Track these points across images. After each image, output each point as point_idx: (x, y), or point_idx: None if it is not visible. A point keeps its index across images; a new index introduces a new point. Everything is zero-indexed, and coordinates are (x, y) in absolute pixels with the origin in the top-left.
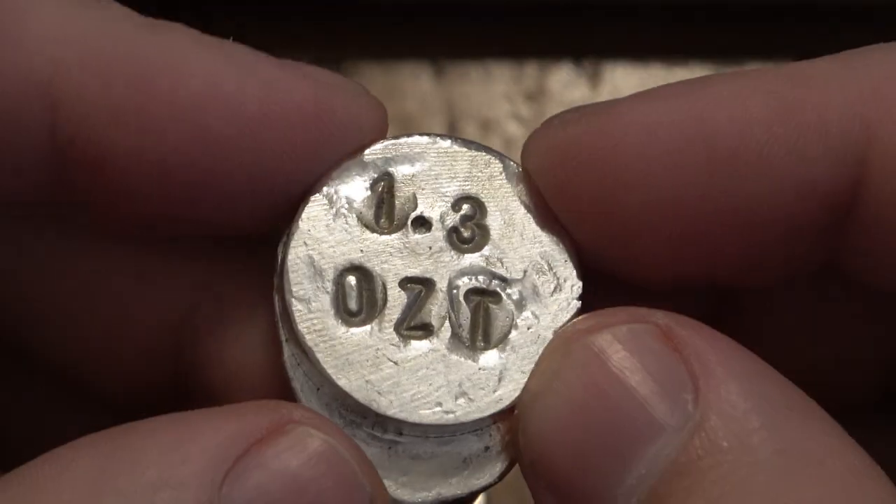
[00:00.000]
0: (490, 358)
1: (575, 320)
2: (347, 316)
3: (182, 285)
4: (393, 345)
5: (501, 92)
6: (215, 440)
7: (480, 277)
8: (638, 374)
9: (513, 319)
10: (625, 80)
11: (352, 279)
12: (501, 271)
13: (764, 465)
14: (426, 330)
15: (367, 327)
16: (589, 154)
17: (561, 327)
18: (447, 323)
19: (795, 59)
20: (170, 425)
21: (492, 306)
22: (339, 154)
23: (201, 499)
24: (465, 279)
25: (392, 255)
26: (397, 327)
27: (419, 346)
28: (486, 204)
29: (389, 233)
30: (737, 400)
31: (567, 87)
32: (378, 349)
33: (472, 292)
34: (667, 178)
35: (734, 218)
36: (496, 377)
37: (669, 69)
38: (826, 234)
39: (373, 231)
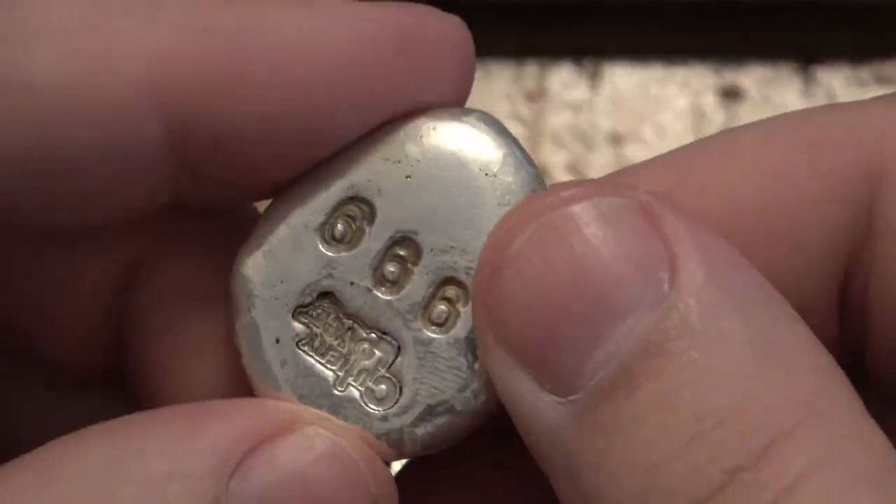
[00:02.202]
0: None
1: (556, 185)
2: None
3: (123, 248)
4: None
5: (501, 92)
6: (225, 435)
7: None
8: (615, 247)
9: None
10: (625, 80)
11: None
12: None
13: (734, 353)
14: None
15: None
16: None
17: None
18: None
19: (795, 58)
20: (180, 416)
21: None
22: (437, 72)
23: (209, 492)
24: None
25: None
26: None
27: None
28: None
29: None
30: (711, 284)
31: (567, 87)
32: None
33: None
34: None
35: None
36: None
37: (669, 69)
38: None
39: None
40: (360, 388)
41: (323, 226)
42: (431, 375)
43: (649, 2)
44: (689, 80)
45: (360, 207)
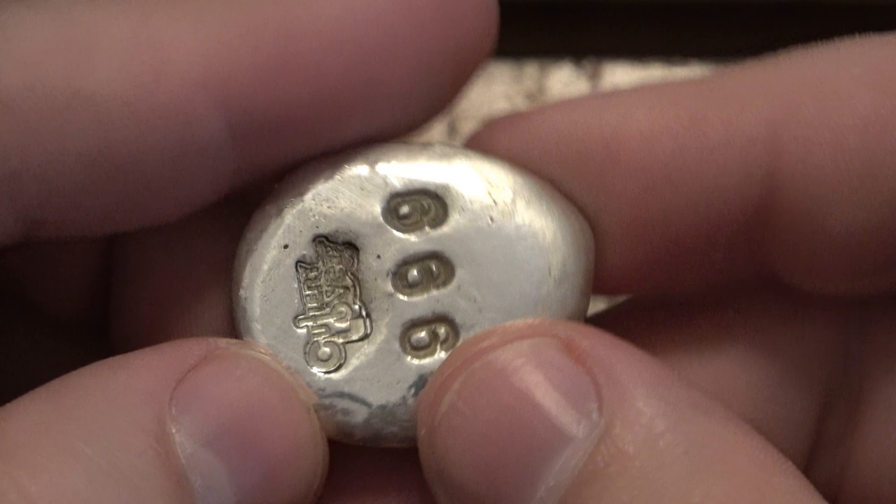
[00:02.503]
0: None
1: (475, 336)
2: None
3: None
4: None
5: (501, 92)
6: (155, 373)
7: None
8: (542, 387)
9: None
10: (625, 79)
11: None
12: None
13: (671, 467)
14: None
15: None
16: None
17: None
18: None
19: None
20: (111, 366)
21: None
22: (471, 42)
23: (152, 434)
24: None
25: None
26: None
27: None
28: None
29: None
30: (641, 406)
31: (567, 87)
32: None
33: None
34: (573, 185)
35: (646, 228)
36: None
37: (669, 69)
38: (747, 241)
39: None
40: (311, 336)
41: (395, 195)
42: (372, 379)
43: (649, 2)
44: None
45: (432, 205)
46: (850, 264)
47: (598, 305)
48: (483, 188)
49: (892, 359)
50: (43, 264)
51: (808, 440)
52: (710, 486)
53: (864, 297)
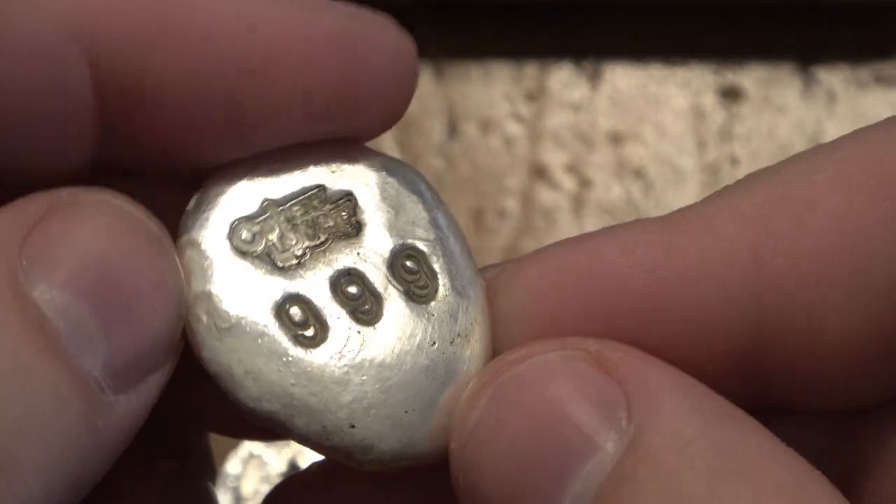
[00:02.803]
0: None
1: (505, 353)
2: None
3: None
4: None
5: (501, 92)
6: (0, 228)
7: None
8: (570, 397)
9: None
10: (625, 79)
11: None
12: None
13: (700, 472)
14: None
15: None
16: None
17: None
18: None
19: (795, 59)
20: None
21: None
22: (368, 85)
23: (3, 275)
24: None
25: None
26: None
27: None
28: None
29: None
30: (670, 414)
31: (567, 87)
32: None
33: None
34: (566, 324)
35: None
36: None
37: (669, 69)
38: (740, 370)
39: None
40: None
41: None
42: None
43: (649, 2)
44: (689, 80)
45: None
46: (852, 374)
47: None
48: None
49: (882, 451)
50: None
51: None
52: (739, 490)
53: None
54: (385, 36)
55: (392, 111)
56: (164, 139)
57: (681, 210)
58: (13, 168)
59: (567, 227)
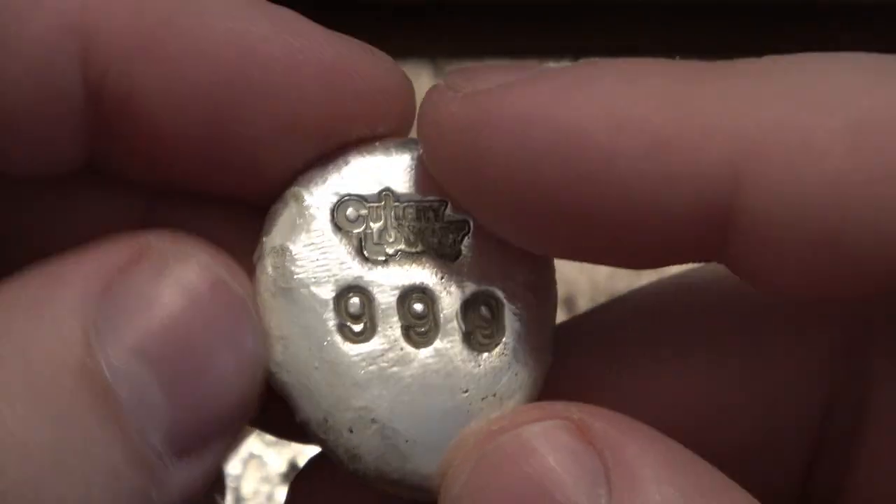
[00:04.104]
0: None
1: (490, 419)
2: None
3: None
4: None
5: None
6: (82, 279)
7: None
8: (552, 473)
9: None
10: None
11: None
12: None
13: None
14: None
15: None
16: (458, 143)
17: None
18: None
19: None
20: (39, 275)
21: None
22: (365, 112)
23: (75, 337)
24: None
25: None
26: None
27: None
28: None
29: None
30: (651, 491)
31: None
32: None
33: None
34: (528, 183)
35: (598, 226)
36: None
37: None
38: (698, 245)
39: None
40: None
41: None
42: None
43: (648, 2)
44: None
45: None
46: (805, 280)
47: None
48: None
49: (894, 365)
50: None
51: (809, 447)
52: None
53: (862, 299)
54: (376, 68)
55: (389, 132)
56: (151, 150)
57: (681, 87)
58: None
59: None
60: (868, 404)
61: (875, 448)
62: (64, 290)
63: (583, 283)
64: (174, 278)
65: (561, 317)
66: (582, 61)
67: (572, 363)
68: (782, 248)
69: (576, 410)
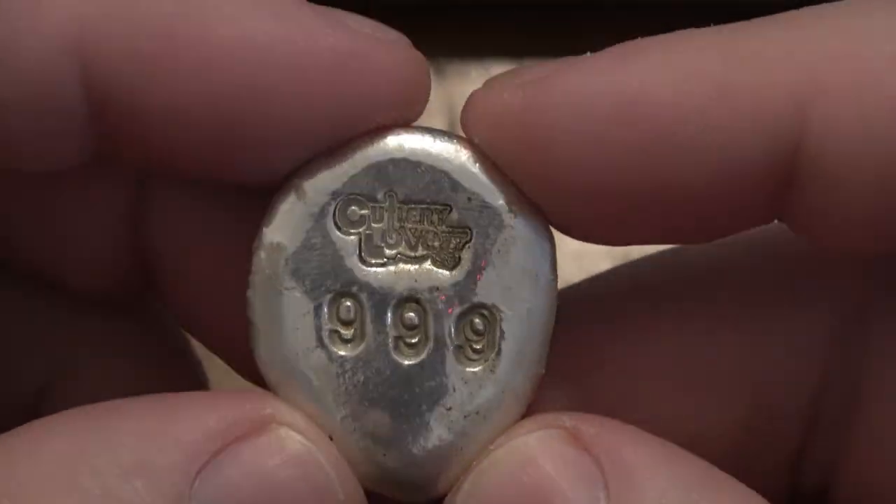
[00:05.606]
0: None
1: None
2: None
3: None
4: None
5: None
6: (195, 432)
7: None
8: (550, 481)
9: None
10: None
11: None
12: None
13: None
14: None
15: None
16: (521, 128)
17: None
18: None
19: None
20: (149, 409)
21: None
22: (375, 106)
23: (174, 490)
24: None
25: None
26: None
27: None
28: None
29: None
30: (647, 489)
31: None
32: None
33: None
34: (598, 156)
35: (669, 193)
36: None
37: None
38: (767, 200)
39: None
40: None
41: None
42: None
43: (649, 2)
44: None
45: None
46: (870, 231)
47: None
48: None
49: (893, 342)
50: (62, 238)
51: (804, 422)
52: None
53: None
54: (387, 56)
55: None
56: (156, 153)
57: (740, 35)
58: (18, 162)
59: None
60: (864, 384)
61: (869, 429)
62: (178, 439)
63: None
64: (276, 467)
65: None
66: (622, 44)
67: (572, 332)
68: (849, 186)
69: (567, 419)
